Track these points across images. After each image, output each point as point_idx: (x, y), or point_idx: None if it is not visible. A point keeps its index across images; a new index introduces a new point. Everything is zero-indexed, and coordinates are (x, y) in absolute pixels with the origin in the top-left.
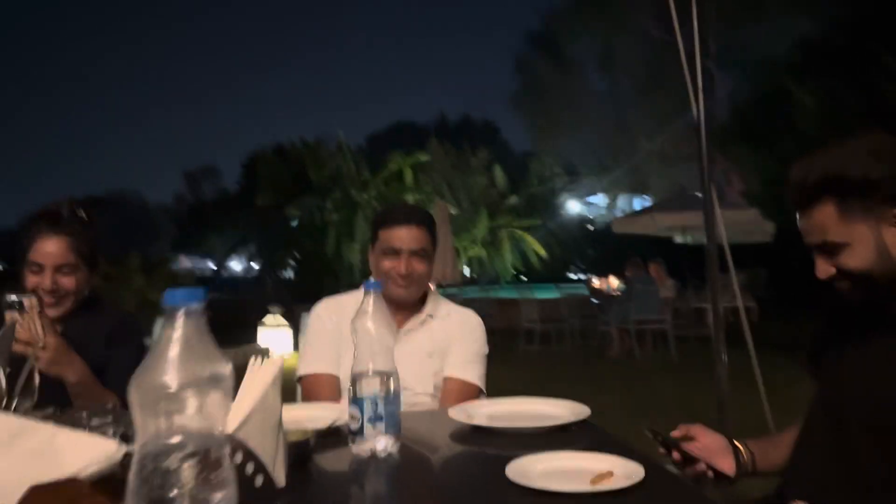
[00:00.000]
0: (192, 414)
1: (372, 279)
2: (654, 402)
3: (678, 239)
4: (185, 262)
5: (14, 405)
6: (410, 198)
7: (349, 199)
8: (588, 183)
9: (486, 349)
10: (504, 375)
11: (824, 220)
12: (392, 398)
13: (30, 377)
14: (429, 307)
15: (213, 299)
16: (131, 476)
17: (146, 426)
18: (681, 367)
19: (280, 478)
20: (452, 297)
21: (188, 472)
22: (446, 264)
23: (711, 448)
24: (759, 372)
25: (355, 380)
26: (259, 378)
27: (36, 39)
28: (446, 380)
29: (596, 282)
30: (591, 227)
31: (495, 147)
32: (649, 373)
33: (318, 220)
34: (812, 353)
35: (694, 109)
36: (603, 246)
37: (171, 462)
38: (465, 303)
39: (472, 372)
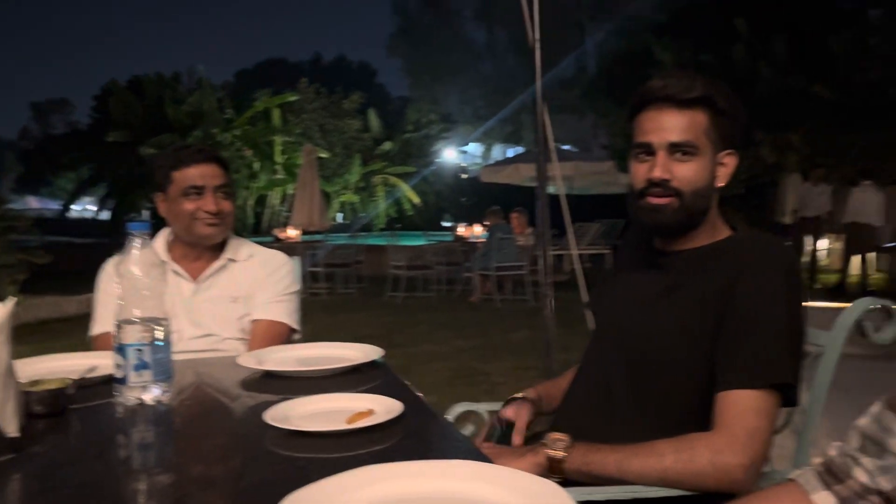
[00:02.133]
0: None
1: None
2: (505, 343)
3: (544, 188)
4: (32, 203)
5: None
6: (278, 139)
7: (211, 138)
8: (464, 131)
9: (294, 287)
10: (367, 321)
11: (695, 124)
12: (160, 345)
13: None
14: (230, 251)
15: (57, 243)
16: None
17: None
18: (535, 311)
19: (10, 426)
20: (318, 244)
21: None
22: (314, 210)
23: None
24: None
25: (119, 327)
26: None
27: None
28: (254, 322)
29: (461, 230)
30: (465, 176)
31: (371, 91)
32: (506, 317)
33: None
34: (595, 293)
35: (538, 72)
36: (476, 195)
37: None
38: (334, 249)
39: (280, 311)
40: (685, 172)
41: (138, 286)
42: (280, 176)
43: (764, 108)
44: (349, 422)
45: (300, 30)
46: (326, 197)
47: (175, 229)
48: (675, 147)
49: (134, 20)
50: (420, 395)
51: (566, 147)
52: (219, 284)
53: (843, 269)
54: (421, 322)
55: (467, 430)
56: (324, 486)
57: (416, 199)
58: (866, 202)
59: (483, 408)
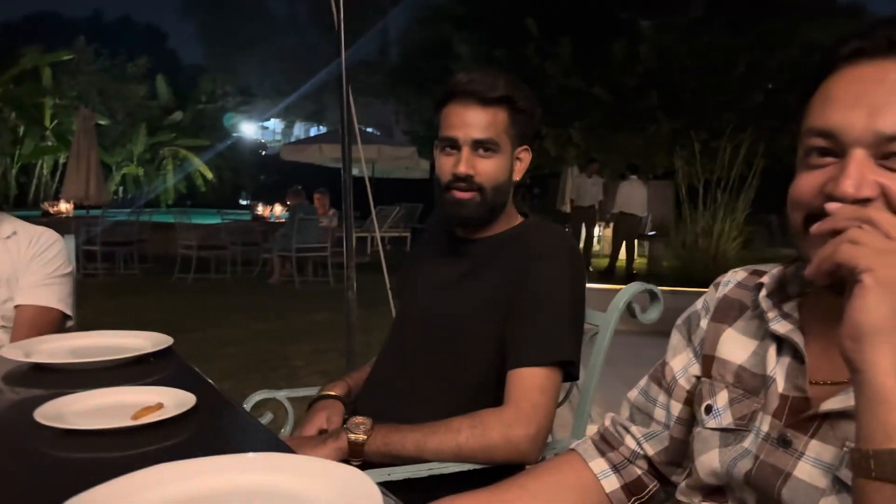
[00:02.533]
0: None
1: None
2: (305, 326)
3: (347, 170)
4: None
5: None
6: (48, 102)
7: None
8: (264, 106)
9: (66, 268)
10: (153, 305)
11: (497, 122)
12: None
13: None
14: None
15: None
16: None
17: None
18: (336, 293)
19: None
20: (94, 220)
21: None
22: (90, 182)
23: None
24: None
25: None
26: None
27: None
28: (18, 309)
29: (260, 209)
30: (264, 153)
31: (159, 56)
32: (306, 299)
33: None
34: (398, 277)
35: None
36: (277, 173)
37: None
38: (113, 226)
39: (49, 295)
40: (487, 168)
41: None
42: (50, 143)
43: (549, 104)
44: (135, 417)
45: None
46: (106, 168)
47: None
48: (479, 143)
49: None
50: (211, 383)
51: (370, 130)
52: None
53: (613, 254)
54: (214, 306)
55: (266, 418)
56: (108, 489)
57: (209, 175)
58: (632, 194)
59: (282, 395)
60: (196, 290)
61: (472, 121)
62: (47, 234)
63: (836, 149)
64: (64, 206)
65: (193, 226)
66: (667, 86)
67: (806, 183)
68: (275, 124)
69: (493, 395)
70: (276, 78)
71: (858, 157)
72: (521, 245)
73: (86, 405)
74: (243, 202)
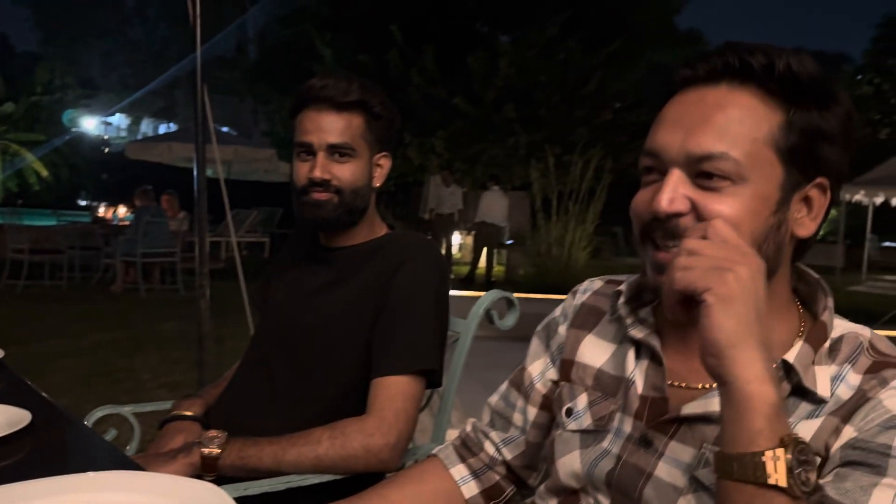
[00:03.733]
0: None
1: None
2: (151, 336)
3: (198, 171)
4: None
5: None
6: None
7: None
8: (108, 101)
9: None
10: None
11: (352, 127)
12: None
13: None
14: None
15: None
16: None
17: None
18: (186, 300)
19: None
20: None
21: None
22: None
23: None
24: (248, 302)
25: None
26: None
27: None
28: None
29: (102, 210)
30: (107, 150)
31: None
32: (153, 308)
33: None
34: (259, 287)
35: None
36: (121, 172)
37: None
38: None
39: None
40: (343, 173)
41: None
42: None
43: (412, 113)
44: None
45: None
46: None
47: None
48: (334, 148)
49: None
50: (47, 397)
51: (225, 129)
52: None
53: (473, 262)
54: (49, 315)
55: (110, 435)
56: None
57: (44, 173)
58: (494, 204)
59: (127, 410)
60: (27, 297)
61: (327, 126)
62: None
63: (661, 167)
64: None
65: (25, 227)
66: (524, 100)
67: (640, 198)
68: (119, 120)
69: (357, 404)
70: (122, 71)
71: (674, 176)
72: (385, 254)
73: None
74: (83, 203)
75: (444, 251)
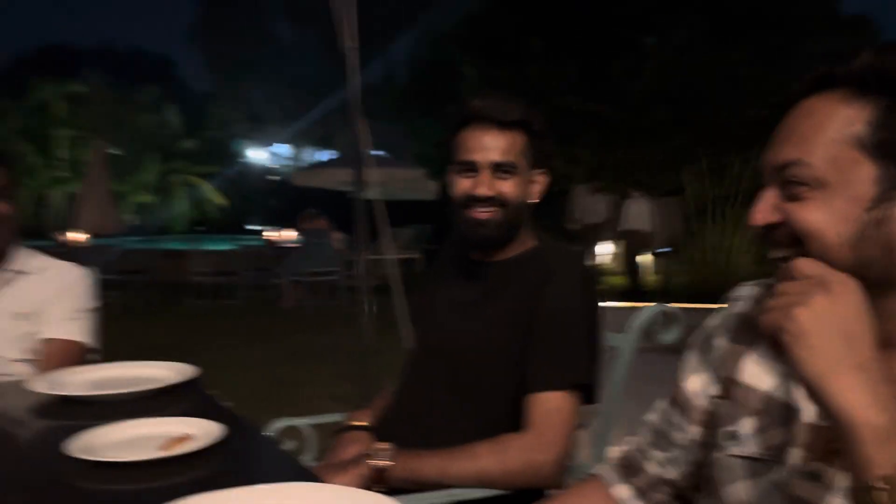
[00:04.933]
0: None
1: None
2: (318, 350)
3: (357, 193)
4: None
5: None
6: (63, 133)
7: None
8: (272, 131)
9: (90, 303)
10: (167, 332)
11: (514, 145)
12: None
13: None
14: (18, 262)
15: None
16: None
17: None
18: (348, 316)
19: None
20: (107, 248)
21: None
22: (104, 212)
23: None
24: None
25: None
26: None
27: None
28: (45, 342)
29: (271, 234)
30: (274, 178)
31: (169, 85)
32: (319, 322)
33: None
34: (413, 302)
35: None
36: (286, 198)
37: None
38: (126, 254)
39: (74, 329)
40: (506, 189)
41: None
42: (64, 174)
43: (555, 122)
44: (164, 449)
45: (87, 14)
46: (119, 197)
47: None
48: (498, 166)
49: None
50: (234, 412)
51: (379, 153)
52: (1, 300)
53: (625, 272)
54: (227, 331)
55: (288, 447)
56: None
57: (219, 201)
58: (639, 211)
59: (304, 422)
60: (209, 316)
61: (491, 144)
62: (76, 270)
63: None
64: (76, 236)
65: (206, 252)
66: (672, 102)
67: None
68: (283, 149)
69: (513, 419)
70: (284, 103)
71: (768, 190)
72: (535, 267)
73: (114, 437)
74: (253, 227)
75: (593, 262)
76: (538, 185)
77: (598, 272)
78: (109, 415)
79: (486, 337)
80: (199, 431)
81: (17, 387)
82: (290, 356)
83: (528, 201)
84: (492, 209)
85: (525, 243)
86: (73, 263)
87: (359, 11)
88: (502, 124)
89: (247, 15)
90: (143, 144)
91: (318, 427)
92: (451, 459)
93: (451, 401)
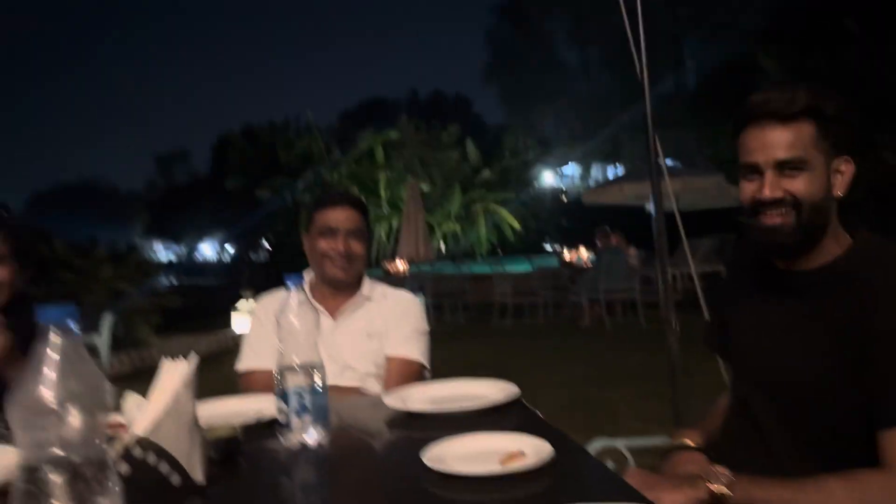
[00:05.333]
0: (70, 428)
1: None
2: (620, 369)
3: (648, 207)
4: (156, 248)
5: None
6: (382, 176)
7: (320, 179)
8: (561, 153)
9: (425, 327)
10: (479, 350)
11: (802, 137)
12: (318, 390)
13: None
14: (365, 289)
15: (184, 285)
16: (14, 490)
17: (24, 441)
18: (648, 334)
19: (197, 474)
20: (423, 275)
21: (67, 483)
22: (420, 242)
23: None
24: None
25: (281, 374)
26: (170, 379)
27: None
28: (388, 359)
29: (567, 254)
30: (564, 199)
31: (467, 121)
32: (619, 341)
33: (290, 201)
34: (717, 318)
35: (644, 83)
36: (577, 217)
37: (49, 475)
38: (437, 280)
39: (413, 349)
40: (797, 187)
41: (296, 334)
42: (385, 211)
43: (885, 109)
44: (503, 463)
45: (396, 69)
46: (430, 228)
47: (312, 267)
48: (783, 164)
49: (240, 71)
50: (557, 429)
51: (670, 163)
52: (356, 321)
53: None
54: (531, 349)
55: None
56: None
57: (516, 225)
58: None
59: (622, 444)
60: (513, 335)
61: (773, 141)
62: (410, 297)
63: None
64: (400, 265)
65: (507, 275)
66: None
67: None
68: (571, 169)
69: (856, 451)
70: (571, 125)
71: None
72: (858, 276)
73: (458, 450)
74: (547, 247)
75: None
76: (843, 175)
77: None
78: (450, 428)
79: (808, 364)
80: (530, 448)
81: (372, 402)
82: (593, 375)
83: (832, 196)
84: (783, 212)
85: (839, 244)
86: (407, 291)
87: (645, 23)
88: (784, 117)
89: (535, 46)
90: (447, 179)
91: (636, 451)
92: (797, 492)
93: (780, 433)
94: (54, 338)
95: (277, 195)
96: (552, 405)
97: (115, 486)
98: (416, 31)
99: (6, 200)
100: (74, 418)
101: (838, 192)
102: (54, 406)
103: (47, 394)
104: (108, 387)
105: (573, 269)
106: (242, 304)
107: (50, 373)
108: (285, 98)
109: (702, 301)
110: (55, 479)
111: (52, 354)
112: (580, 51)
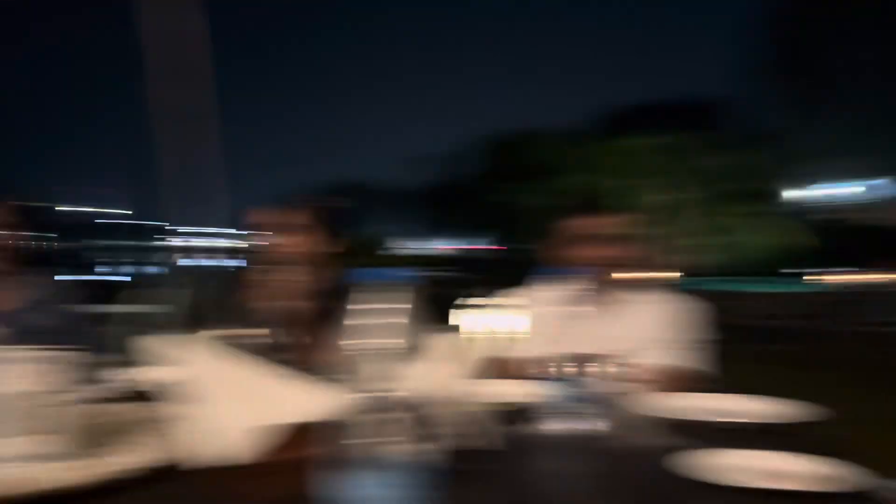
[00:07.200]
0: (405, 375)
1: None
2: None
3: None
4: (436, 244)
5: None
6: (646, 183)
7: (574, 184)
8: (841, 167)
9: (705, 335)
10: (729, 370)
11: None
12: (593, 380)
13: None
14: (637, 292)
15: (459, 276)
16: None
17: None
18: None
19: (494, 441)
20: (672, 286)
21: (398, 424)
22: (671, 253)
23: None
24: None
25: (561, 362)
26: (448, 353)
27: (256, 43)
28: (665, 366)
29: (822, 278)
30: (835, 216)
31: (743, 127)
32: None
33: (552, 203)
34: None
35: None
36: (847, 237)
37: (384, 414)
38: (716, 296)
39: (689, 358)
40: None
41: (573, 325)
42: (645, 218)
43: None
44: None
45: (666, 71)
46: (685, 239)
47: (570, 270)
48: None
49: (489, 82)
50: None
51: None
52: (624, 319)
53: None
54: (791, 376)
55: None
56: None
57: (810, 241)
58: None
59: None
60: (767, 359)
61: None
62: (688, 303)
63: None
64: (667, 274)
65: (758, 294)
66: None
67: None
68: (863, 183)
69: None
70: (862, 133)
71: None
72: None
73: (736, 462)
74: (796, 270)
75: None
76: None
77: None
78: (719, 441)
79: None
80: (805, 471)
81: (657, 403)
82: (867, 414)
83: None
84: None
85: None
86: (687, 297)
87: None
88: None
89: (814, 44)
90: (714, 188)
91: None
92: None
93: None
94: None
95: (541, 197)
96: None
97: (435, 435)
98: (689, 28)
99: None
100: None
101: None
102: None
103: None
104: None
105: (837, 294)
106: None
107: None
108: (529, 104)
109: None
110: (387, 419)
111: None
112: (877, 52)
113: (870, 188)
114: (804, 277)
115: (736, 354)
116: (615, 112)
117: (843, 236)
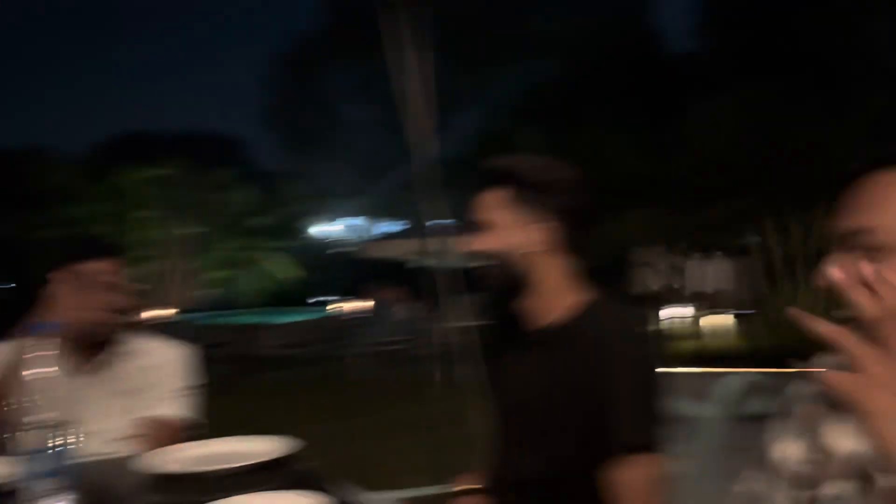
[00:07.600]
0: None
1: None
2: (394, 421)
3: (422, 263)
4: None
5: None
6: (147, 215)
7: (68, 216)
8: (342, 206)
9: (195, 381)
10: (242, 405)
11: (492, 200)
12: (65, 451)
13: None
14: (123, 341)
15: None
16: None
17: None
18: (421, 386)
19: None
20: (187, 324)
21: None
22: (183, 288)
23: None
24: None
25: (24, 431)
26: None
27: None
28: (150, 419)
29: (340, 305)
30: (341, 250)
31: (244, 164)
32: (390, 394)
33: (30, 237)
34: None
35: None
36: (354, 269)
37: None
38: (202, 329)
39: (179, 406)
40: (486, 243)
41: (42, 388)
42: (142, 253)
43: (614, 187)
44: None
45: (165, 103)
46: (195, 274)
47: (58, 315)
48: (479, 224)
49: None
50: (330, 482)
51: (446, 222)
52: (111, 377)
53: (699, 335)
54: (301, 403)
55: None
56: None
57: (290, 274)
58: (712, 272)
59: (393, 496)
60: (281, 388)
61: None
62: (178, 349)
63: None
64: (160, 312)
65: (277, 325)
66: (730, 163)
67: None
68: (351, 222)
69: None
70: (350, 179)
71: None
72: (589, 334)
73: None
74: (323, 298)
75: (663, 325)
76: (542, 235)
77: (662, 333)
78: (215, 491)
79: (548, 401)
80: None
81: (120, 464)
82: (365, 427)
83: (531, 252)
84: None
85: (569, 305)
86: (176, 342)
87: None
88: (486, 182)
89: (316, 98)
90: (220, 223)
91: (416, 499)
92: None
93: (531, 463)
94: None
95: (19, 230)
96: (326, 460)
97: None
98: (192, 62)
99: None
100: None
101: (537, 248)
102: None
103: None
104: None
105: (346, 320)
106: None
107: None
108: (30, 124)
109: (468, 353)
110: None
111: None
112: (367, 110)
113: (349, 227)
114: (328, 306)
115: (244, 388)
116: (113, 140)
117: (357, 268)
